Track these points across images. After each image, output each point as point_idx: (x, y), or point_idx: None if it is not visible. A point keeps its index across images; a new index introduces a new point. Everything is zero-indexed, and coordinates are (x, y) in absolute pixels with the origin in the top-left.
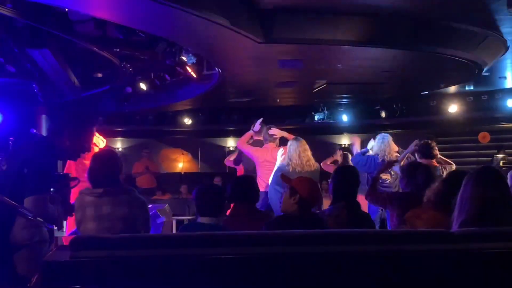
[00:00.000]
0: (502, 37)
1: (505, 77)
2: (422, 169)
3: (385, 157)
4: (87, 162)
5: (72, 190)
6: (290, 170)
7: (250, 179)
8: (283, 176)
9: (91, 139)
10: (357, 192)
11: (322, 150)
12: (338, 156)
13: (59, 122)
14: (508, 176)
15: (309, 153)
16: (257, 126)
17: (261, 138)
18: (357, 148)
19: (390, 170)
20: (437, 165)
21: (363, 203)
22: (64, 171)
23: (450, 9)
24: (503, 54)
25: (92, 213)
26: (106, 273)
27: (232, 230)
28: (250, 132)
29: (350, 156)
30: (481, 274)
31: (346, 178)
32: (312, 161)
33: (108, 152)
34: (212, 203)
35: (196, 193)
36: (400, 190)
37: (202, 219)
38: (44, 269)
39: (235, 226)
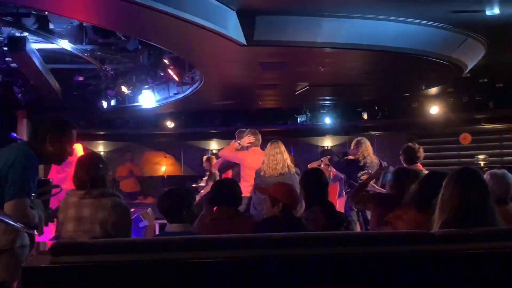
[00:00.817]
0: (482, 38)
1: (485, 79)
2: (412, 176)
3: (366, 159)
4: (68, 170)
5: (54, 198)
6: (262, 173)
7: (232, 182)
8: (257, 188)
9: (73, 143)
10: (328, 193)
11: (305, 152)
12: (323, 164)
13: (41, 127)
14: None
15: (281, 156)
16: (246, 140)
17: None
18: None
19: (370, 171)
20: (423, 169)
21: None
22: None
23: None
24: (483, 55)
25: (73, 214)
26: (87, 278)
27: (215, 233)
28: (236, 144)
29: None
30: (461, 274)
31: (317, 180)
32: (282, 164)
33: (93, 155)
34: (177, 208)
35: (158, 200)
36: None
37: (170, 227)
38: (24, 274)
39: (218, 229)
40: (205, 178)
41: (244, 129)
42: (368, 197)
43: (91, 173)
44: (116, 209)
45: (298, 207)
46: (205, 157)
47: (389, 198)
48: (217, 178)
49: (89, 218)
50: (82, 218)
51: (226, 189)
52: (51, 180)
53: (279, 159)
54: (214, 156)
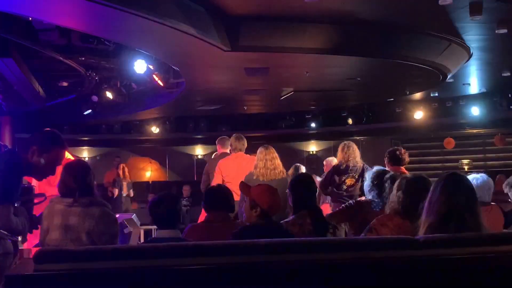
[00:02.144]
0: (465, 44)
1: (468, 84)
2: (388, 178)
3: (348, 162)
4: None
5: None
6: (254, 178)
7: (223, 188)
8: (242, 185)
9: (56, 163)
10: (316, 198)
11: (290, 157)
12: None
13: (30, 138)
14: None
15: (277, 161)
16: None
17: (226, 151)
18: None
19: (354, 174)
20: (406, 172)
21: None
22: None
23: (414, 17)
24: (467, 61)
25: (59, 222)
26: (71, 286)
27: (207, 238)
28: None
29: (302, 168)
30: (446, 280)
31: (304, 186)
32: (279, 169)
33: (80, 163)
34: (168, 213)
35: (150, 204)
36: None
37: (160, 233)
38: (8, 282)
39: (209, 234)
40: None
41: (226, 136)
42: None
43: (80, 181)
44: (104, 219)
45: (278, 212)
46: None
47: (366, 203)
48: (122, 184)
49: (76, 227)
50: (68, 226)
51: (217, 195)
52: (33, 187)
53: (276, 164)
54: (124, 164)
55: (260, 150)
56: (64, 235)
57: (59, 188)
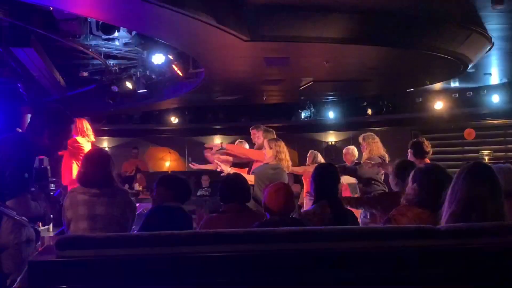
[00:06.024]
0: (487, 33)
1: (490, 74)
2: (411, 169)
3: (384, 154)
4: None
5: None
6: (283, 170)
7: (239, 177)
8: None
9: (68, 137)
10: (338, 189)
11: (309, 147)
12: (309, 161)
13: (39, 120)
14: None
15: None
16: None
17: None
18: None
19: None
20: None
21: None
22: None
23: (435, 6)
24: (488, 50)
25: (85, 212)
26: (93, 272)
27: (222, 227)
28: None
29: (319, 156)
30: (467, 270)
31: (327, 176)
32: (290, 162)
33: (100, 152)
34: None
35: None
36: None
37: (167, 203)
38: (31, 269)
39: (225, 225)
40: None
41: (260, 125)
42: (373, 201)
43: (103, 171)
44: (129, 207)
45: (292, 212)
46: None
47: (394, 196)
48: None
49: (104, 216)
50: (96, 216)
51: (232, 186)
52: (47, 168)
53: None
54: None
55: (276, 143)
56: (92, 225)
57: (80, 178)
